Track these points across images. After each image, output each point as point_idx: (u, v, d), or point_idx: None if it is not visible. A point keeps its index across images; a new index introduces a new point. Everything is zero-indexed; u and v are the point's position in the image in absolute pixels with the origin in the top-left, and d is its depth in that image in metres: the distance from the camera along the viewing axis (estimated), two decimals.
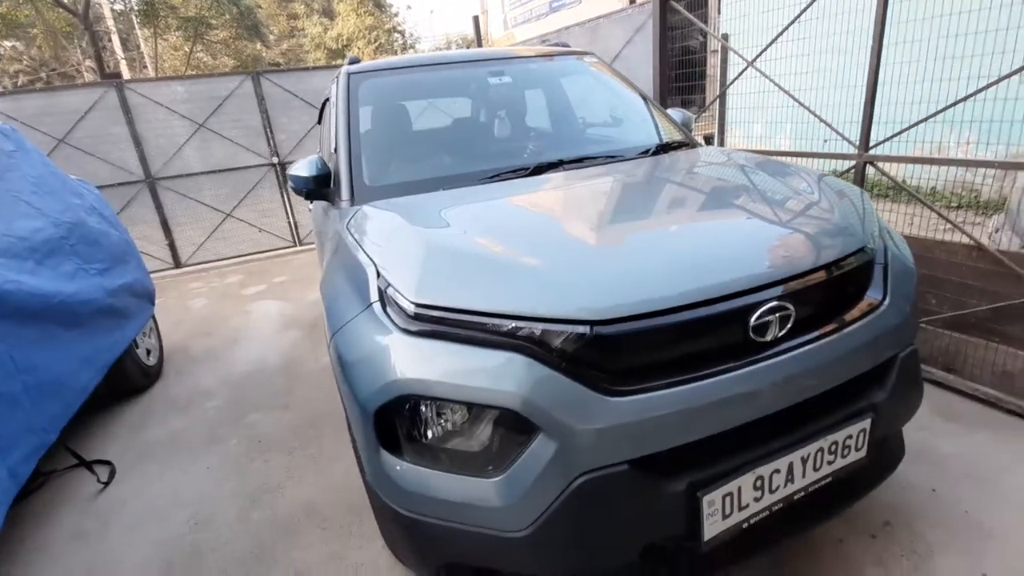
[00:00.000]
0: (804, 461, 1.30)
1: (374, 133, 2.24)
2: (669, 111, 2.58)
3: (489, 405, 1.15)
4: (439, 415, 1.24)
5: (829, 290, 1.35)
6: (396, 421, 1.26)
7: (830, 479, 1.37)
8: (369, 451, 1.31)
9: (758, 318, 1.21)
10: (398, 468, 1.25)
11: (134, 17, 15.84)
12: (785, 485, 1.29)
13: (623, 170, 1.96)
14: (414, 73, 2.48)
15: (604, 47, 4.09)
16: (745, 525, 1.27)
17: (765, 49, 2.98)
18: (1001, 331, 2.29)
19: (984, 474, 1.97)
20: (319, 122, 4.05)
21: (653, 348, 1.19)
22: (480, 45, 6.79)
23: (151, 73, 16.51)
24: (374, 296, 1.37)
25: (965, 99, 2.30)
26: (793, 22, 2.78)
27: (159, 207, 6.19)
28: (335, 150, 2.18)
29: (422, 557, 1.34)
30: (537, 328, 1.16)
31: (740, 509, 1.24)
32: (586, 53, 2.77)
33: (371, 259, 1.46)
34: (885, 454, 1.55)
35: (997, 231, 3.32)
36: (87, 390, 2.66)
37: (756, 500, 1.26)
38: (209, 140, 6.18)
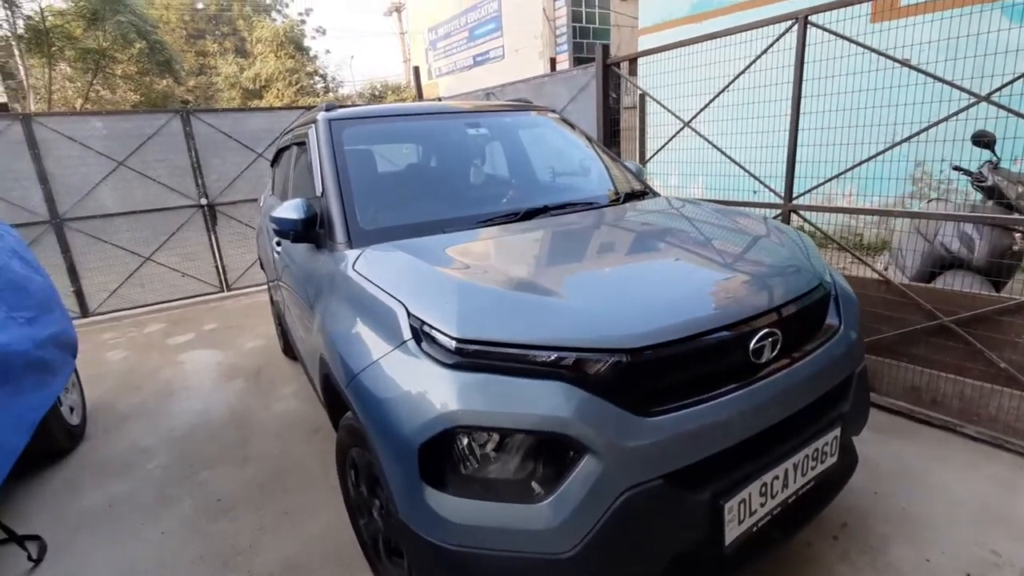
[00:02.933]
0: (796, 467, 1.50)
1: (363, 179, 2.30)
2: (625, 163, 2.87)
3: (540, 431, 1.24)
4: (485, 445, 1.30)
5: (802, 317, 1.59)
6: (442, 454, 1.31)
7: (812, 483, 1.58)
8: (409, 488, 1.34)
9: (756, 342, 1.42)
10: (444, 502, 1.29)
11: (14, 44, 14.48)
12: (782, 490, 1.48)
13: (606, 215, 2.17)
14: (396, 122, 2.59)
15: (549, 103, 4.43)
16: (755, 529, 1.43)
17: (701, 111, 3.41)
18: (907, 352, 2.71)
19: (911, 474, 2.31)
20: (272, 165, 4.01)
21: (678, 371, 1.35)
22: (420, 95, 7.01)
23: (32, 106, 15.09)
24: (407, 334, 1.43)
25: (862, 163, 2.79)
26: (725, 88, 3.23)
27: (65, 251, 5.64)
28: (322, 195, 2.22)
29: None
30: (579, 357, 1.28)
31: (751, 514, 1.41)
32: (550, 109, 3.03)
33: (397, 299, 1.51)
34: (847, 460, 1.80)
35: (887, 268, 3.93)
36: (16, 453, 2.37)
37: (762, 505, 1.43)
38: (129, 179, 5.79)
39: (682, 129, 3.55)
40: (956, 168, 3.25)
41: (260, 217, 4.32)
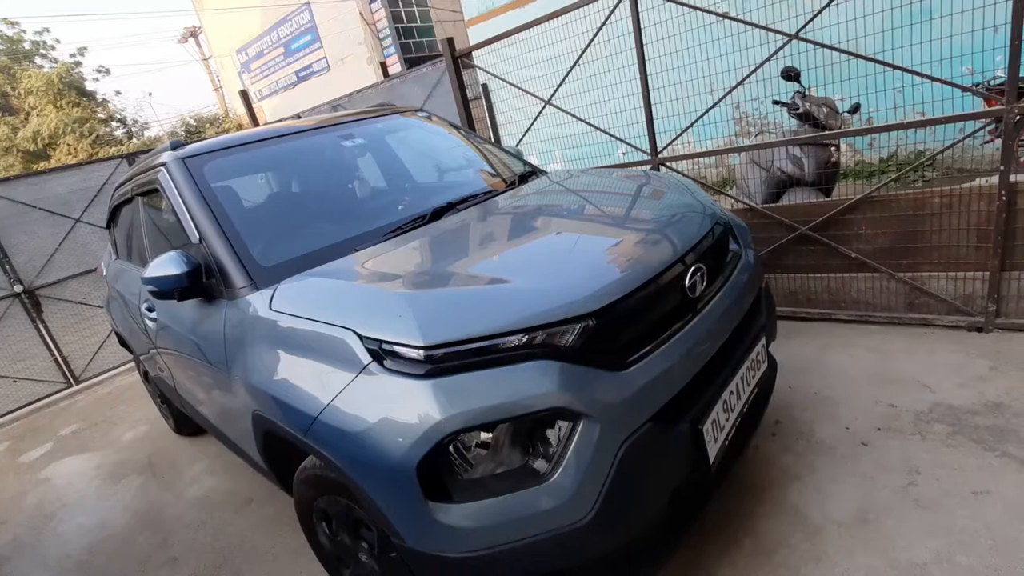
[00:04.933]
0: (743, 380, 1.67)
1: (245, 214, 2.09)
2: (506, 148, 2.93)
3: (535, 412, 1.24)
4: (480, 443, 1.28)
5: (716, 249, 1.77)
6: (439, 467, 1.26)
7: (756, 390, 1.78)
8: (413, 511, 1.27)
9: (689, 278, 1.55)
10: (453, 512, 1.25)
11: None
12: (738, 402, 1.64)
13: (512, 199, 2.20)
14: (260, 148, 2.37)
15: (406, 104, 4.35)
16: (726, 443, 1.57)
17: (558, 87, 3.58)
18: (779, 264, 3.13)
19: (812, 364, 2.68)
20: (108, 225, 3.48)
21: (638, 321, 1.43)
22: (255, 120, 6.47)
23: None
24: (365, 359, 1.34)
25: (708, 111, 3.14)
26: (575, 64, 3.41)
27: None
28: (201, 242, 1.98)
29: None
30: (549, 332, 1.30)
31: (721, 431, 1.55)
32: (417, 109, 2.98)
33: (341, 326, 1.41)
34: (771, 366, 2.04)
35: (737, 200, 4.48)
36: None
37: (727, 420, 1.58)
38: None
39: (544, 108, 3.70)
40: (776, 102, 3.78)
41: (107, 287, 3.74)
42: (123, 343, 3.83)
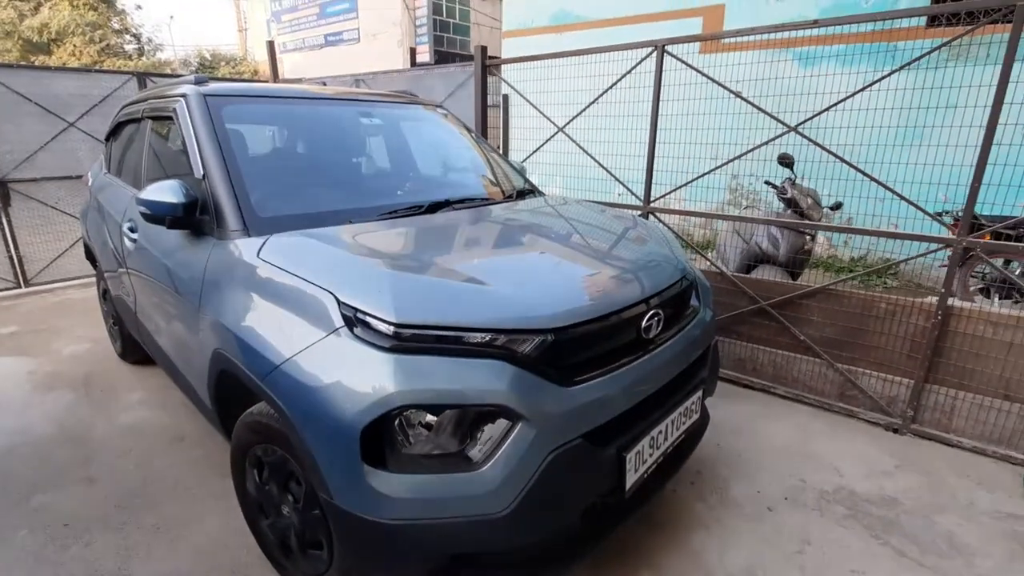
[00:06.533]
0: (673, 423, 1.81)
1: (252, 162, 2.16)
2: (511, 162, 3.06)
3: (481, 404, 1.35)
4: (425, 422, 1.38)
5: (677, 300, 1.92)
6: (382, 435, 1.35)
7: (683, 436, 1.92)
8: (348, 471, 1.36)
9: (647, 320, 1.69)
10: (385, 480, 1.34)
11: None
12: (664, 442, 1.78)
13: (506, 210, 2.33)
14: (282, 104, 2.45)
15: (429, 96, 4.46)
16: (645, 476, 1.71)
17: (575, 117, 3.74)
18: (735, 330, 3.32)
19: (743, 428, 2.86)
20: (108, 139, 3.48)
21: (591, 347, 1.56)
22: (276, 74, 6.48)
23: None
24: (338, 322, 1.43)
25: (706, 174, 3.34)
26: (597, 99, 3.59)
27: None
28: (204, 178, 2.04)
29: (409, 562, 1.42)
30: (510, 337, 1.42)
31: (643, 463, 1.68)
32: (437, 104, 3.09)
33: (323, 288, 1.50)
34: (704, 417, 2.20)
35: (713, 264, 4.71)
36: None
37: (650, 455, 1.72)
38: None
39: (556, 134, 3.86)
40: (767, 183, 4.03)
41: (89, 196, 3.70)
42: (90, 256, 3.80)
